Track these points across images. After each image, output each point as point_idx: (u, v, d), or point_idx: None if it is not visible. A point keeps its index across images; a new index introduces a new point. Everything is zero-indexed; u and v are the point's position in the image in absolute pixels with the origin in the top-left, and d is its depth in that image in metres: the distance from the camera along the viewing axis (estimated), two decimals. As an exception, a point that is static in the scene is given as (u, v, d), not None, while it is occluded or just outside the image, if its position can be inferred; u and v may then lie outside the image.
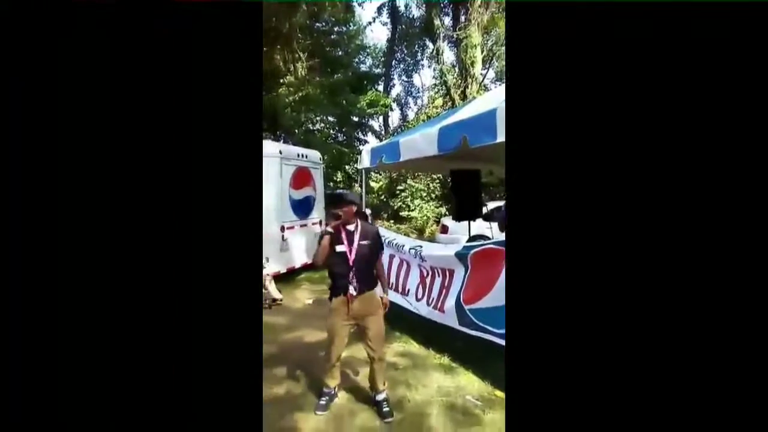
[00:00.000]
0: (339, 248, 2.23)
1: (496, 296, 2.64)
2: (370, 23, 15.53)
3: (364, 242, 2.26)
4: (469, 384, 2.66)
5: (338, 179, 13.37)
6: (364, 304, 2.26)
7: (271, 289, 4.69)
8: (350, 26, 14.64)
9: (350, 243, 2.25)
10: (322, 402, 2.38)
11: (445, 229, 7.23)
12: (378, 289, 2.39)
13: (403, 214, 10.87)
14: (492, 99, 3.66)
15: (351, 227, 2.28)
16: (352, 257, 2.23)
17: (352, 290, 2.22)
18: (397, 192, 11.26)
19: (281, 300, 4.75)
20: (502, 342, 2.57)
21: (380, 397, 2.35)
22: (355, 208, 2.27)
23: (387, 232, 4.13)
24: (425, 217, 10.59)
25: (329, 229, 2.23)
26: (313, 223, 6.48)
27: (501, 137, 2.48)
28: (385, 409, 2.30)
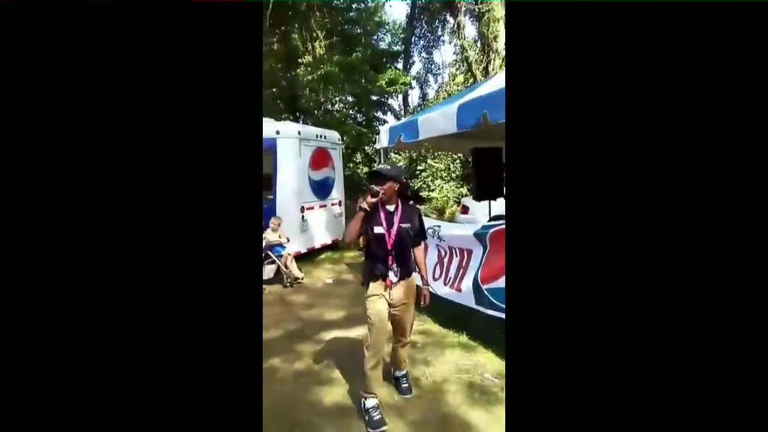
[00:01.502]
0: (377, 230, 2.02)
1: (515, 276, 2.61)
2: (388, -1, 15.10)
3: (405, 225, 2.05)
4: (488, 362, 2.67)
5: (358, 160, 13.34)
6: (403, 292, 2.09)
7: (293, 268, 4.78)
8: (369, 3, 14.29)
9: (389, 225, 2.03)
10: (376, 417, 1.98)
11: (465, 210, 7.14)
12: (417, 278, 2.22)
13: (424, 194, 10.80)
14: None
15: (390, 207, 2.07)
16: (390, 241, 2.02)
17: (392, 276, 2.03)
18: (418, 172, 11.17)
19: (302, 279, 4.85)
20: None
21: (399, 373, 2.34)
22: (397, 186, 2.03)
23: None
24: (446, 198, 10.49)
25: (363, 205, 1.96)
26: (333, 204, 6.52)
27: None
28: (404, 385, 2.31)
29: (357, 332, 3.30)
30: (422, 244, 2.24)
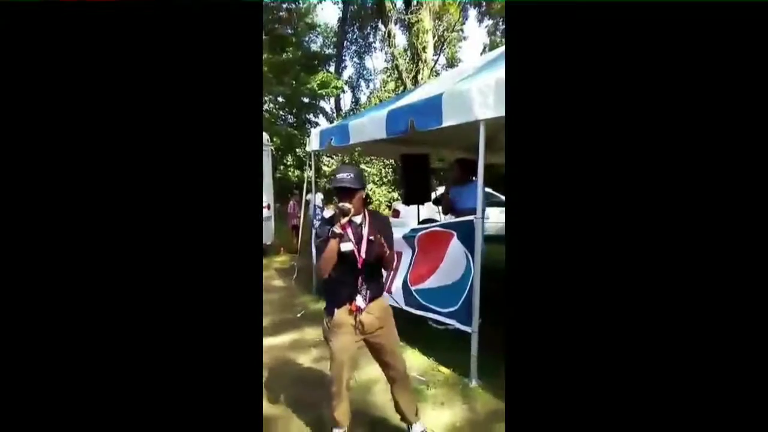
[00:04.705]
0: (344, 247, 1.68)
1: (440, 277, 2.73)
2: (320, 1, 15.03)
3: (373, 237, 1.73)
4: (415, 362, 2.76)
5: (289, 162, 13.04)
6: (376, 314, 1.75)
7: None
8: (300, 3, 14.09)
9: (358, 240, 1.71)
10: None
11: (396, 214, 7.31)
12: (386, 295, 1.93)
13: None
14: (440, 84, 3.72)
15: (357, 219, 1.74)
16: (361, 258, 1.71)
17: (360, 301, 1.71)
18: (350, 176, 11.17)
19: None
20: (446, 320, 2.68)
21: (417, 428, 1.87)
22: (363, 194, 1.74)
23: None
24: (378, 202, 10.65)
25: (337, 229, 1.63)
26: (261, 207, 6.30)
27: (446, 122, 2.53)
28: None
29: (283, 339, 3.22)
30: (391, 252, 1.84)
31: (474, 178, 3.46)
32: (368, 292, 1.73)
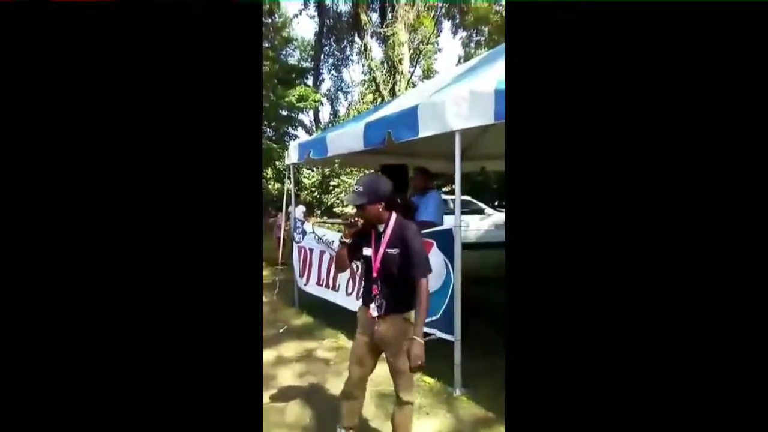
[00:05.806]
0: (365, 251, 1.74)
1: (422, 286, 2.73)
2: (296, 15, 15.15)
3: (392, 251, 1.64)
4: (399, 372, 2.74)
5: (268, 175, 12.94)
6: (389, 330, 1.67)
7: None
8: (276, 18, 14.16)
9: (377, 248, 1.70)
10: None
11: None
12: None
13: (337, 209, 10.83)
14: (416, 95, 3.78)
15: (381, 227, 1.71)
16: (375, 266, 1.69)
17: (374, 309, 1.68)
18: (331, 188, 11.18)
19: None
20: (427, 330, 2.68)
21: None
22: (380, 206, 1.65)
23: (317, 229, 4.10)
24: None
25: (344, 239, 1.74)
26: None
27: (422, 133, 2.57)
28: None
29: (266, 355, 3.15)
30: (424, 278, 1.60)
31: (434, 187, 3.50)
32: (384, 302, 1.66)
